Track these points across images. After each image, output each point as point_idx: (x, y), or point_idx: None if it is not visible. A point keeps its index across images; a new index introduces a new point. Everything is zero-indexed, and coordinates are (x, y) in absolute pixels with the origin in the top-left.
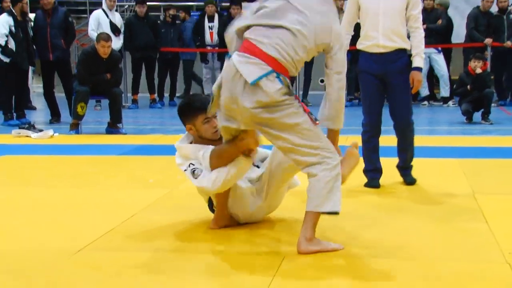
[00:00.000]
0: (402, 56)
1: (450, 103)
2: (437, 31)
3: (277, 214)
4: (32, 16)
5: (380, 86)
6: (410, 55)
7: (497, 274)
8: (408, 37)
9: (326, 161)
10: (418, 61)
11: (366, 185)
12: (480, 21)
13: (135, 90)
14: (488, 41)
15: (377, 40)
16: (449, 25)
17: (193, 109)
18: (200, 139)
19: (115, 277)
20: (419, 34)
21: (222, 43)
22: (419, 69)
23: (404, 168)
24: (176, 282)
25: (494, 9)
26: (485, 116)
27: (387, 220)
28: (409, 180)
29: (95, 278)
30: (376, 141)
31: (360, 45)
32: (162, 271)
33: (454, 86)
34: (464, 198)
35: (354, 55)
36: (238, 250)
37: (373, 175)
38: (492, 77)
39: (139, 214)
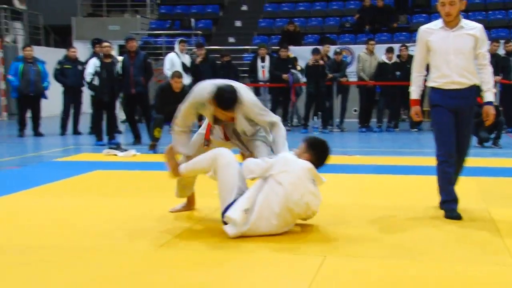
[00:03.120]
0: (473, 92)
1: None
2: None
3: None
4: (121, 58)
5: (453, 118)
6: (479, 90)
7: (508, 275)
8: None
9: None
10: (490, 96)
11: (447, 216)
12: None
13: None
14: (497, 78)
15: (451, 78)
16: None
17: None
18: None
19: (188, 272)
20: (488, 70)
21: (272, 79)
22: (491, 103)
23: (448, 202)
24: (237, 274)
25: (501, 51)
26: (496, 141)
27: (404, 226)
28: (455, 215)
29: (166, 274)
30: (453, 172)
31: (433, 82)
32: (223, 265)
33: None
34: (479, 211)
35: (383, 88)
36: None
37: (452, 205)
38: (502, 108)
39: (206, 218)
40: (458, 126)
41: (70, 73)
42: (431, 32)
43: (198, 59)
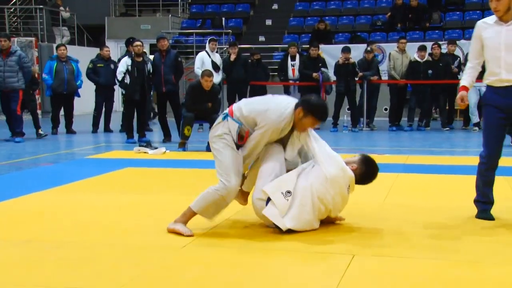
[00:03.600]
0: None
1: None
2: None
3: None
4: (152, 57)
5: (503, 120)
6: None
7: None
8: None
9: (219, 183)
10: None
11: (478, 216)
12: None
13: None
14: None
15: (500, 76)
16: None
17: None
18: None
19: (216, 269)
20: None
21: (302, 78)
22: None
23: (481, 202)
24: (262, 275)
25: None
26: None
27: (435, 226)
28: (488, 216)
29: (197, 270)
30: (492, 175)
31: (486, 80)
32: (251, 264)
33: None
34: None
35: (414, 87)
36: (314, 250)
37: (484, 206)
38: None
39: (234, 216)
40: None
41: (102, 72)
42: (485, 27)
43: (232, 56)
